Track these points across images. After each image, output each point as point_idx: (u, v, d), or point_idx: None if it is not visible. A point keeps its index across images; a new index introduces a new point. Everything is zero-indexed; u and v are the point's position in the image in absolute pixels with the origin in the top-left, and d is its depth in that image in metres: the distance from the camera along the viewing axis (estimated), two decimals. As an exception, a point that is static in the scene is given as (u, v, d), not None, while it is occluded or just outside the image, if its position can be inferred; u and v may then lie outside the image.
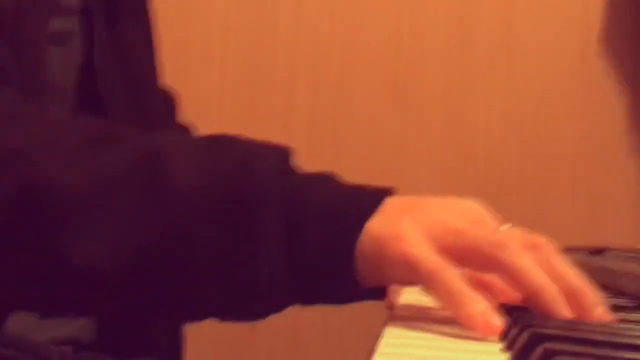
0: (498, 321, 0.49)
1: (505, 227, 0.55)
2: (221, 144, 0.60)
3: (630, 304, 0.62)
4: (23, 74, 0.67)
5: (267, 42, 1.60)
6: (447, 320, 0.53)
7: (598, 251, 0.95)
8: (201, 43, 1.60)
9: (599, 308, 0.53)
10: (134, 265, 0.55)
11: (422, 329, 0.51)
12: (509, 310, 0.53)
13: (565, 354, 0.38)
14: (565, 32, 1.60)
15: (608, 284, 0.72)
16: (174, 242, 0.55)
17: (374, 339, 0.48)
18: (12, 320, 0.70)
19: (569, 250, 1.07)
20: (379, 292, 0.61)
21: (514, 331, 0.47)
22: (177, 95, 1.01)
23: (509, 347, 0.46)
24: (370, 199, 0.57)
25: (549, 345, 0.39)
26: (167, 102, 1.00)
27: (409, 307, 0.61)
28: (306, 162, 1.77)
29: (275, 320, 1.56)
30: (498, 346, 0.48)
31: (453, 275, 0.51)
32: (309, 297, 0.58)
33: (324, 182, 0.59)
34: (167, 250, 0.55)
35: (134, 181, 0.56)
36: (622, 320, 0.52)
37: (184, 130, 1.01)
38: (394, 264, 0.53)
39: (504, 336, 0.49)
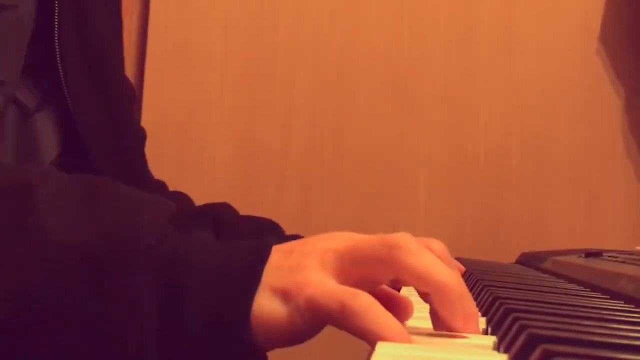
0: (404, 330, 0.48)
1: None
2: (99, 189, 0.54)
3: (628, 306, 0.63)
4: None
5: (267, 42, 1.60)
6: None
7: (595, 254, 0.95)
8: (201, 43, 1.60)
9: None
10: None
11: (420, 330, 0.51)
12: (507, 310, 0.53)
13: (564, 355, 0.38)
14: (565, 32, 1.60)
15: (606, 286, 0.72)
16: (37, 296, 0.49)
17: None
18: None
19: (566, 253, 1.07)
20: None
21: (513, 332, 0.47)
22: (134, 88, 0.97)
23: (507, 348, 0.46)
24: (258, 255, 0.52)
25: (547, 346, 0.39)
26: (130, 92, 0.95)
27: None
28: (306, 162, 1.79)
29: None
30: (496, 347, 0.48)
31: (365, 303, 0.48)
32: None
33: (207, 241, 0.53)
34: (29, 304, 0.49)
35: (1, 221, 0.50)
36: (621, 322, 0.52)
37: (141, 136, 0.96)
38: (303, 317, 0.50)
39: (502, 337, 0.49)
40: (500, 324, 0.52)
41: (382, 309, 0.48)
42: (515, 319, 0.48)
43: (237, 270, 0.51)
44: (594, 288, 0.74)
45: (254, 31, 1.60)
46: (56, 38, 0.72)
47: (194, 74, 1.59)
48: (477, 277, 0.82)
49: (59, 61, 0.72)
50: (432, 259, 0.50)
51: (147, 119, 1.58)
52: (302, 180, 1.57)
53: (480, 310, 0.65)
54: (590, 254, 0.95)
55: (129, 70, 1.60)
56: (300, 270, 0.50)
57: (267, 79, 1.60)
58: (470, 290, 0.79)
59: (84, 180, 0.54)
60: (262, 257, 0.51)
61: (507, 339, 0.47)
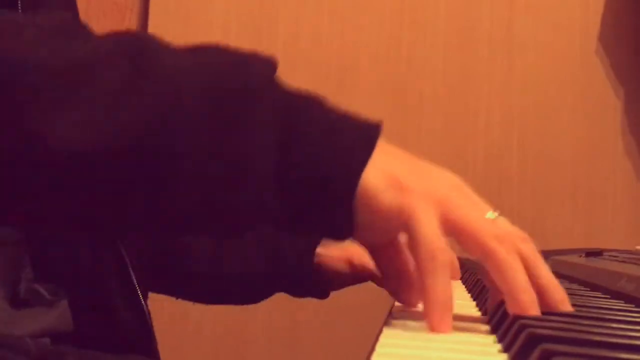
0: (450, 320, 0.51)
1: (493, 215, 0.55)
2: (208, 47, 0.55)
3: (628, 306, 0.63)
4: None
5: (267, 42, 1.60)
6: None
7: (595, 253, 0.95)
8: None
9: (565, 304, 0.55)
10: (116, 147, 0.49)
11: (421, 330, 0.51)
12: (507, 310, 0.53)
13: (563, 354, 0.38)
14: (565, 32, 1.60)
15: (606, 286, 0.72)
16: (158, 123, 0.50)
17: (372, 339, 0.48)
18: None
19: (566, 252, 1.07)
20: (324, 292, 0.57)
21: (513, 331, 0.47)
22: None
23: (507, 348, 0.46)
24: (372, 128, 0.55)
25: (547, 345, 0.39)
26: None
27: (407, 308, 0.61)
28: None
29: (274, 320, 1.57)
30: (497, 347, 0.48)
31: (444, 261, 0.52)
32: (301, 210, 0.53)
33: (322, 100, 0.56)
34: (150, 131, 0.49)
35: (116, 58, 0.51)
36: (620, 322, 0.52)
37: None
38: (398, 213, 0.52)
39: (502, 336, 0.49)
40: (500, 323, 0.52)
41: (448, 279, 0.51)
42: (515, 319, 0.48)
43: (351, 135, 0.53)
44: (594, 287, 0.74)
45: (254, 31, 1.60)
46: None
47: (194, 74, 1.59)
48: (477, 277, 0.82)
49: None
50: (518, 263, 0.53)
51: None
52: (302, 180, 1.57)
53: (480, 310, 0.65)
54: (591, 253, 0.95)
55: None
56: (418, 179, 0.53)
57: (267, 79, 1.59)
58: (470, 290, 0.79)
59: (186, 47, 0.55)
60: (375, 133, 0.54)
61: (507, 338, 0.47)
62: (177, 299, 1.03)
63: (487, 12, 1.60)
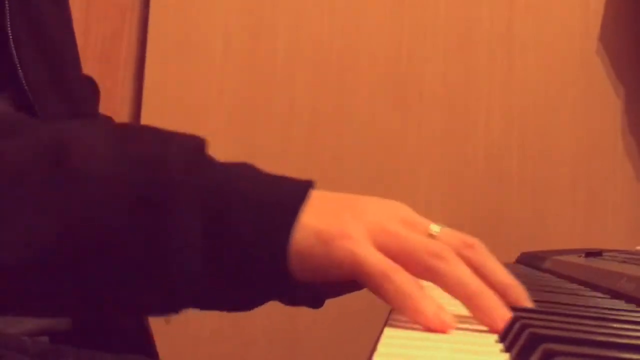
0: (449, 316, 0.51)
1: (437, 228, 0.55)
2: (132, 131, 0.56)
3: (628, 305, 0.63)
4: None
5: (267, 42, 1.60)
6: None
7: (595, 253, 0.95)
8: (201, 43, 1.60)
9: (523, 301, 0.55)
10: (41, 258, 0.51)
11: (422, 330, 0.51)
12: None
13: (565, 354, 0.38)
14: (565, 32, 1.60)
15: (606, 286, 0.72)
16: (82, 234, 0.51)
17: (373, 339, 0.48)
18: None
19: (566, 252, 1.07)
20: (318, 301, 0.59)
21: (514, 331, 0.47)
22: (97, 85, 0.99)
23: (508, 348, 0.46)
24: (298, 188, 0.55)
25: (549, 345, 0.39)
26: (91, 86, 0.96)
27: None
28: (306, 162, 1.79)
29: (274, 321, 1.57)
30: (498, 347, 0.48)
31: (404, 277, 0.52)
32: (236, 285, 0.54)
33: (245, 170, 0.56)
34: (75, 243, 0.51)
35: (40, 169, 0.52)
36: (621, 321, 0.52)
37: (107, 119, 0.96)
38: (338, 264, 0.52)
39: (504, 337, 0.49)
40: (501, 323, 0.52)
41: (420, 287, 0.51)
42: (516, 319, 0.48)
43: (277, 202, 0.53)
44: (594, 287, 0.74)
45: (254, 31, 1.60)
46: (9, 27, 0.72)
47: (194, 74, 1.59)
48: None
49: (13, 50, 0.72)
50: (464, 271, 0.53)
51: (147, 119, 1.58)
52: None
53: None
54: (590, 253, 0.95)
55: (129, 70, 1.60)
56: (346, 224, 0.53)
57: (267, 80, 1.60)
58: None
59: (115, 125, 0.57)
60: (302, 195, 0.54)
61: (509, 338, 0.47)
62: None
63: (487, 12, 1.60)
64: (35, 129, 0.55)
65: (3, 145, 0.53)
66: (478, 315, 0.52)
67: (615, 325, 0.50)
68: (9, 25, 0.72)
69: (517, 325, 0.47)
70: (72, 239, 0.51)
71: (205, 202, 0.52)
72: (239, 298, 0.56)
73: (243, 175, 0.55)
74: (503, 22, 1.60)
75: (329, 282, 0.54)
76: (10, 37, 0.72)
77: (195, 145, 0.56)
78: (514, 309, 0.54)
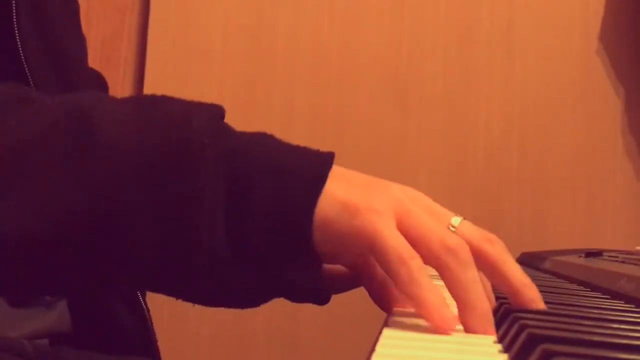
0: (452, 314, 0.51)
1: (457, 220, 0.55)
2: (152, 101, 0.56)
3: (628, 306, 0.63)
4: None
5: (267, 42, 1.60)
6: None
7: (595, 253, 0.95)
8: (201, 43, 1.60)
9: (541, 303, 0.55)
10: (62, 229, 0.51)
11: (421, 330, 0.51)
12: (507, 310, 0.54)
13: (564, 355, 0.38)
14: (565, 32, 1.60)
15: (605, 286, 0.72)
16: (105, 203, 0.51)
17: (372, 340, 0.48)
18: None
19: (566, 252, 1.07)
20: (324, 296, 0.58)
21: (513, 332, 0.47)
22: (105, 79, 0.98)
23: (507, 348, 0.46)
24: (323, 157, 0.55)
25: (547, 346, 0.39)
26: (98, 80, 0.96)
27: (407, 308, 0.61)
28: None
29: (274, 320, 1.57)
30: (497, 347, 0.48)
31: (418, 266, 0.52)
32: (262, 265, 0.54)
33: (267, 139, 0.56)
34: (98, 212, 0.51)
35: (58, 138, 0.52)
36: (620, 322, 0.52)
37: None
38: (360, 236, 0.52)
39: (502, 337, 0.49)
40: (500, 324, 0.52)
41: (429, 280, 0.51)
42: (515, 319, 0.48)
43: (302, 169, 0.53)
44: (594, 288, 0.74)
45: (254, 31, 1.60)
46: (15, 27, 0.72)
47: (194, 74, 1.59)
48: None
49: (20, 49, 0.72)
50: (471, 276, 0.52)
51: (147, 119, 1.58)
52: (302, 180, 1.57)
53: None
54: (590, 253, 0.95)
55: (129, 70, 1.60)
56: (374, 199, 0.53)
57: (267, 79, 1.60)
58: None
59: (135, 97, 0.57)
60: (328, 163, 0.54)
61: (507, 338, 0.47)
62: (176, 299, 1.03)
63: (487, 12, 1.60)
64: (55, 100, 0.55)
65: (19, 111, 0.53)
66: (465, 323, 0.52)
67: (614, 325, 0.50)
68: (15, 22, 0.72)
69: (516, 326, 0.47)
70: (99, 207, 0.51)
71: (229, 169, 0.52)
72: (259, 272, 0.54)
73: (266, 142, 0.56)
74: (503, 22, 1.60)
75: (344, 260, 0.55)
76: (16, 31, 0.72)
77: (216, 114, 0.56)
78: (513, 309, 0.54)
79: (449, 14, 1.60)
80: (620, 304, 0.63)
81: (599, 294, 0.70)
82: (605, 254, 0.96)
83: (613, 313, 0.57)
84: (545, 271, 0.99)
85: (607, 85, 1.59)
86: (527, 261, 1.17)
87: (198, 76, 1.59)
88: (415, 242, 0.53)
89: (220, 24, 1.60)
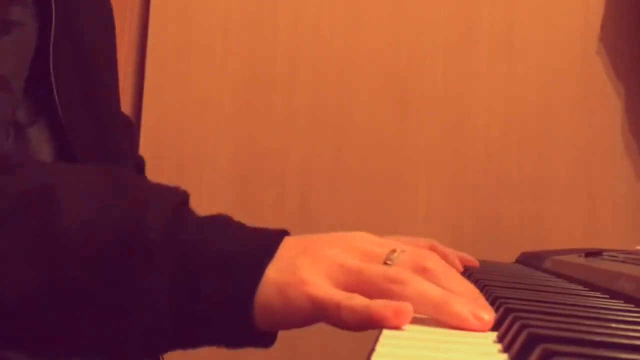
0: (407, 306, 0.52)
1: (394, 254, 0.58)
2: (116, 183, 0.59)
3: (628, 306, 0.63)
4: None
5: (267, 42, 1.60)
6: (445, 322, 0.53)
7: (595, 253, 0.95)
8: (201, 43, 1.60)
9: (486, 312, 0.55)
10: (17, 303, 0.55)
11: (420, 330, 0.51)
12: (507, 310, 0.54)
13: (564, 354, 0.38)
14: (565, 32, 1.60)
15: (605, 286, 0.72)
16: (57, 287, 0.55)
17: (371, 339, 0.48)
18: None
19: (566, 252, 1.07)
20: (269, 339, 0.61)
21: (513, 331, 0.47)
22: (133, 123, 1.01)
23: (507, 348, 0.46)
24: (266, 244, 0.58)
25: (547, 345, 0.39)
26: (128, 121, 0.99)
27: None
28: (306, 162, 1.78)
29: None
30: (497, 346, 0.48)
31: (358, 300, 0.54)
32: (205, 339, 0.58)
33: (219, 226, 0.59)
34: (54, 291, 0.55)
35: (20, 216, 0.56)
36: (620, 322, 0.52)
37: (138, 162, 1.00)
38: (301, 309, 0.55)
39: (502, 336, 0.49)
40: (500, 323, 0.52)
41: (376, 302, 0.53)
42: (516, 319, 0.48)
43: (245, 260, 0.56)
44: (593, 288, 0.74)
45: (254, 31, 1.60)
46: (51, 54, 0.74)
47: (194, 74, 1.59)
48: (477, 277, 0.82)
49: (52, 77, 0.74)
50: (423, 285, 0.55)
51: (147, 119, 1.58)
52: (302, 180, 1.57)
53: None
54: (590, 253, 0.95)
55: (129, 70, 1.60)
56: (303, 271, 0.56)
57: (267, 79, 1.60)
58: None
59: (101, 174, 0.60)
60: (270, 252, 0.57)
61: (507, 338, 0.47)
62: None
63: (487, 13, 1.60)
64: (26, 170, 0.59)
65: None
66: (449, 321, 0.53)
67: (614, 325, 0.50)
68: (51, 54, 0.74)
69: (516, 325, 0.47)
70: (50, 287, 0.55)
71: (177, 262, 0.55)
72: (207, 343, 0.59)
73: (217, 231, 0.58)
74: (503, 22, 1.60)
75: (294, 326, 0.57)
76: (51, 65, 0.74)
77: (176, 202, 0.58)
78: (513, 309, 0.54)
79: (449, 14, 1.60)
80: (619, 304, 0.63)
81: (598, 294, 0.70)
82: (605, 253, 0.96)
83: (613, 313, 0.57)
84: (545, 271, 0.99)
85: (608, 85, 1.59)
86: (527, 261, 1.17)
87: (198, 76, 1.59)
88: (360, 290, 0.55)
89: (221, 23, 1.60)
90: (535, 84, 1.60)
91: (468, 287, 0.57)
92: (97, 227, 0.56)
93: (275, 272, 0.56)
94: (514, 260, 1.28)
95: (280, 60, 1.60)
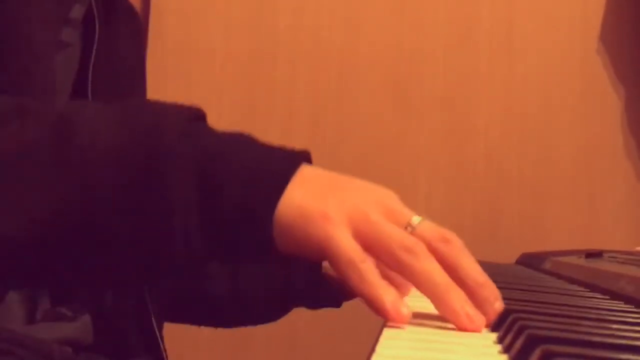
0: (407, 309, 0.52)
1: (417, 220, 0.57)
2: (130, 106, 0.59)
3: (628, 307, 0.63)
4: (35, 83, 0.68)
5: (267, 42, 1.60)
6: (445, 323, 0.53)
7: (595, 254, 0.95)
8: (201, 43, 1.60)
9: (497, 302, 0.55)
10: (46, 232, 0.54)
11: (420, 330, 0.51)
12: (507, 311, 0.54)
13: (564, 355, 0.38)
14: (565, 32, 1.60)
15: (606, 287, 0.72)
16: (85, 206, 0.54)
17: (372, 340, 0.48)
18: (14, 319, 0.70)
19: (567, 253, 1.07)
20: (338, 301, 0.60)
21: (513, 332, 0.47)
22: None
23: (507, 349, 0.46)
24: (289, 162, 0.57)
25: (547, 346, 0.39)
26: None
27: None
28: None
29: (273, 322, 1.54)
30: (497, 347, 0.48)
31: (369, 268, 0.53)
32: (227, 252, 0.57)
33: (239, 140, 0.59)
34: (78, 214, 0.54)
35: (41, 148, 0.55)
36: (620, 323, 0.52)
37: None
38: (313, 242, 0.54)
39: (502, 337, 0.49)
40: (500, 324, 0.52)
41: (380, 279, 0.53)
42: (515, 320, 0.48)
43: (266, 176, 0.56)
44: (594, 288, 0.74)
45: (254, 31, 1.60)
46: (90, 73, 0.77)
47: (194, 74, 1.59)
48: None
49: (89, 94, 0.77)
50: (433, 268, 0.54)
51: (147, 119, 1.58)
52: (302, 180, 1.57)
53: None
54: (591, 254, 0.95)
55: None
56: (328, 206, 0.55)
57: (267, 79, 1.60)
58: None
59: (114, 104, 0.59)
60: (292, 169, 0.57)
61: (507, 339, 0.47)
62: (199, 326, 1.06)
63: (487, 12, 1.60)
64: (37, 111, 0.58)
65: (13, 126, 0.56)
66: (443, 312, 0.53)
67: (614, 326, 0.50)
68: (90, 72, 0.77)
69: (516, 326, 0.47)
70: (74, 212, 0.54)
71: (198, 172, 0.55)
72: (228, 255, 0.58)
73: (238, 145, 0.58)
74: (503, 22, 1.60)
75: (300, 254, 0.56)
76: (90, 82, 0.77)
77: (191, 115, 0.59)
78: (513, 310, 0.54)
79: (449, 14, 1.60)
80: (620, 305, 0.63)
81: (598, 295, 0.70)
82: (605, 254, 0.96)
83: (613, 314, 0.57)
84: (546, 272, 0.99)
85: (608, 85, 1.59)
86: (527, 262, 1.17)
87: (198, 76, 1.59)
88: (373, 247, 0.54)
89: (221, 24, 1.60)
90: (535, 84, 1.60)
91: (480, 271, 0.56)
92: (117, 145, 0.55)
93: (298, 195, 0.55)
94: (514, 260, 1.28)
95: (280, 60, 1.60)
